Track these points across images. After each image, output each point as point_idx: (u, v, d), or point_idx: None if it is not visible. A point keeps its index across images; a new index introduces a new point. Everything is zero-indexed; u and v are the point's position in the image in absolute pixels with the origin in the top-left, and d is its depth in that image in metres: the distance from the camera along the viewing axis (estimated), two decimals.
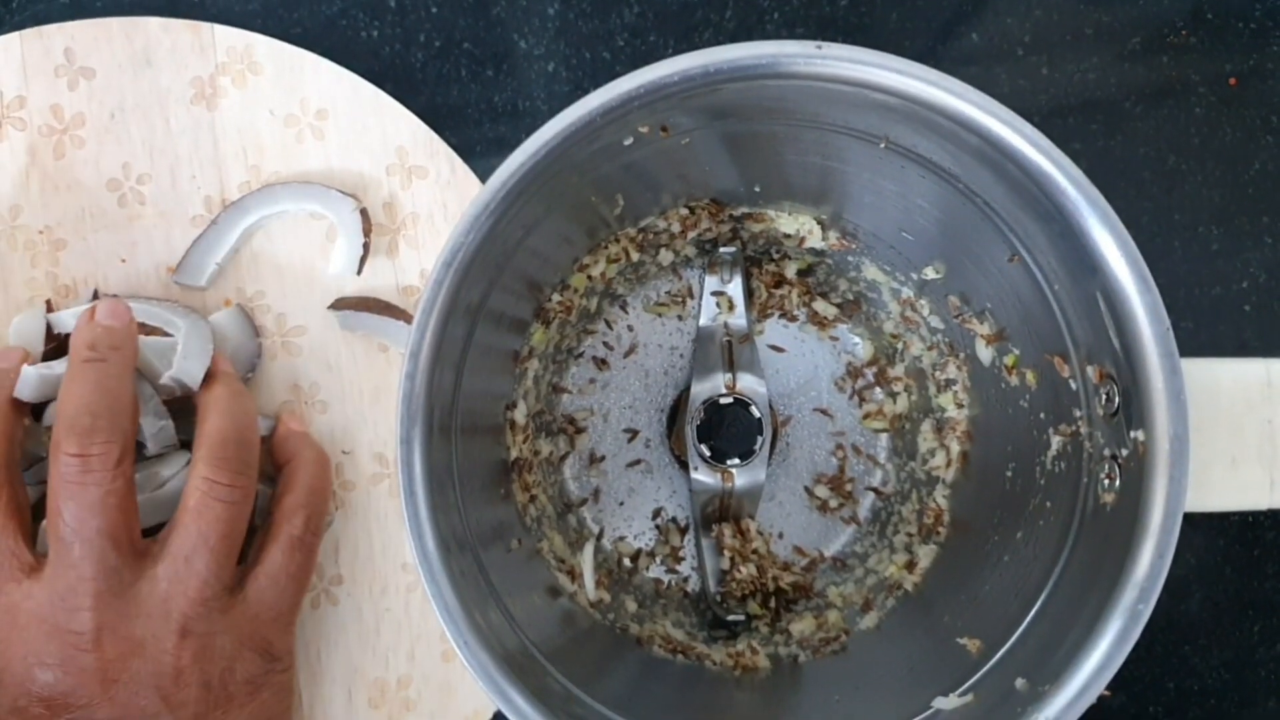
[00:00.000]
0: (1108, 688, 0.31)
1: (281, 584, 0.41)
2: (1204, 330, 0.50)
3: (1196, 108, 0.50)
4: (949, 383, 0.44)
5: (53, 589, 0.38)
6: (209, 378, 0.43)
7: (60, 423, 0.38)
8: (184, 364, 0.43)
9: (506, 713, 0.31)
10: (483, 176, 0.48)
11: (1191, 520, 0.49)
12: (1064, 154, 0.30)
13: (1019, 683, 0.33)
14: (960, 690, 0.35)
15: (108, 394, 0.39)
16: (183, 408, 0.43)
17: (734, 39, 0.49)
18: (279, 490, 0.44)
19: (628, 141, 0.33)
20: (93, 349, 0.40)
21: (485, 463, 0.40)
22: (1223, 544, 0.50)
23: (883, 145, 0.34)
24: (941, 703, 0.34)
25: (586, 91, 0.48)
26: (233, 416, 0.42)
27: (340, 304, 0.46)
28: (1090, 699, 0.31)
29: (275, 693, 0.41)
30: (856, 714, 0.37)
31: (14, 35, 0.47)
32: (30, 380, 0.42)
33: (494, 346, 0.39)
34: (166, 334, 0.44)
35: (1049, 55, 0.50)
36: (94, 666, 0.37)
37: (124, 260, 0.47)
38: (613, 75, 0.48)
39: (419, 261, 0.47)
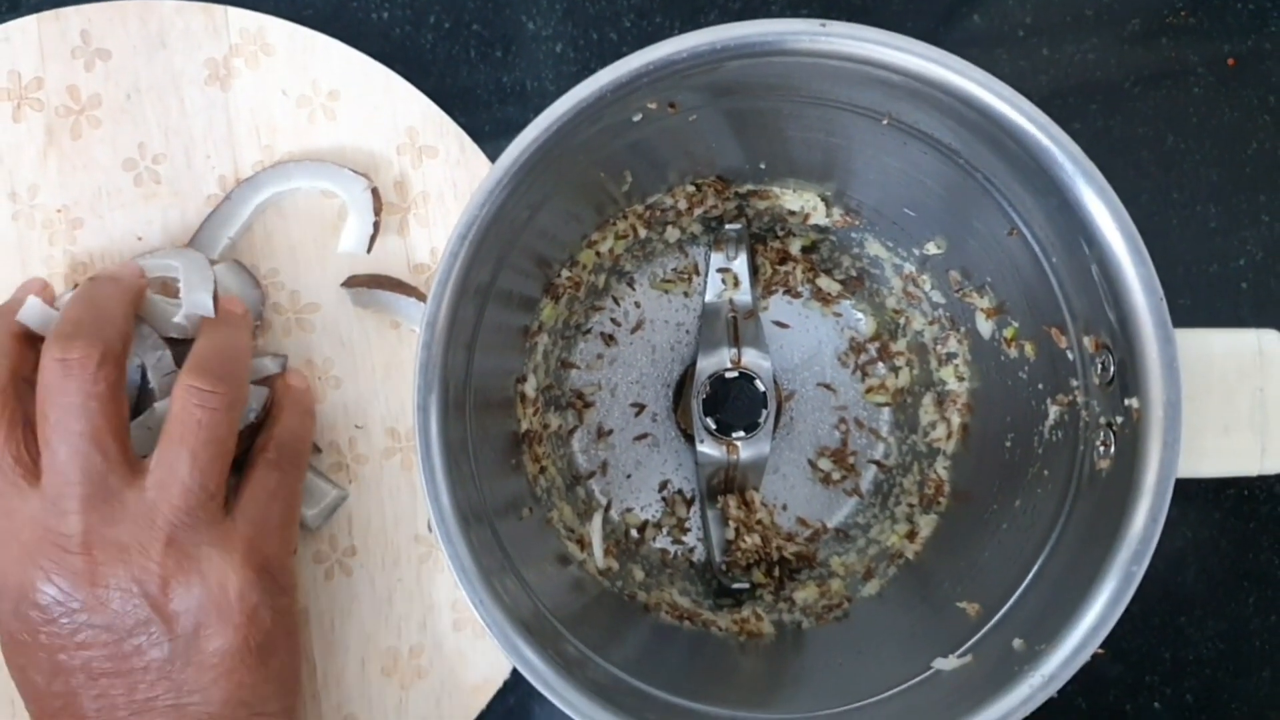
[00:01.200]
0: (1102, 647, 0.32)
1: (262, 500, 0.42)
2: (1201, 306, 0.51)
3: (1195, 88, 0.51)
4: (950, 356, 0.45)
5: (44, 494, 0.39)
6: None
7: (51, 337, 0.40)
8: (191, 296, 0.44)
9: (523, 671, 0.32)
10: (492, 156, 0.48)
11: (1187, 494, 0.50)
12: (1061, 129, 0.31)
13: (1016, 643, 0.34)
14: (959, 652, 0.36)
15: (93, 307, 0.41)
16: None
17: (739, 19, 0.50)
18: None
19: (636, 118, 0.34)
20: (91, 279, 0.43)
21: (498, 435, 0.40)
22: (1218, 517, 0.51)
23: (885, 122, 0.35)
24: (941, 664, 0.35)
25: (593, 71, 0.49)
26: (220, 336, 0.43)
27: (352, 281, 0.47)
28: (1085, 656, 0.32)
29: (277, 620, 0.41)
30: (858, 676, 0.38)
31: (31, 18, 0.48)
32: (34, 309, 0.42)
33: (505, 323, 0.40)
34: (173, 290, 0.46)
35: (1049, 37, 0.50)
36: (83, 570, 0.38)
37: (140, 238, 0.48)
38: (619, 56, 0.49)
39: (429, 240, 0.48)
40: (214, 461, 0.40)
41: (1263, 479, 0.51)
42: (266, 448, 0.43)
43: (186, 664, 0.39)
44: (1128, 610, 0.32)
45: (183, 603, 0.39)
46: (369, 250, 0.47)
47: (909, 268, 0.44)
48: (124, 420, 0.40)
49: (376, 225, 0.47)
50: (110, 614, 0.39)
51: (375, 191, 0.47)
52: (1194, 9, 0.51)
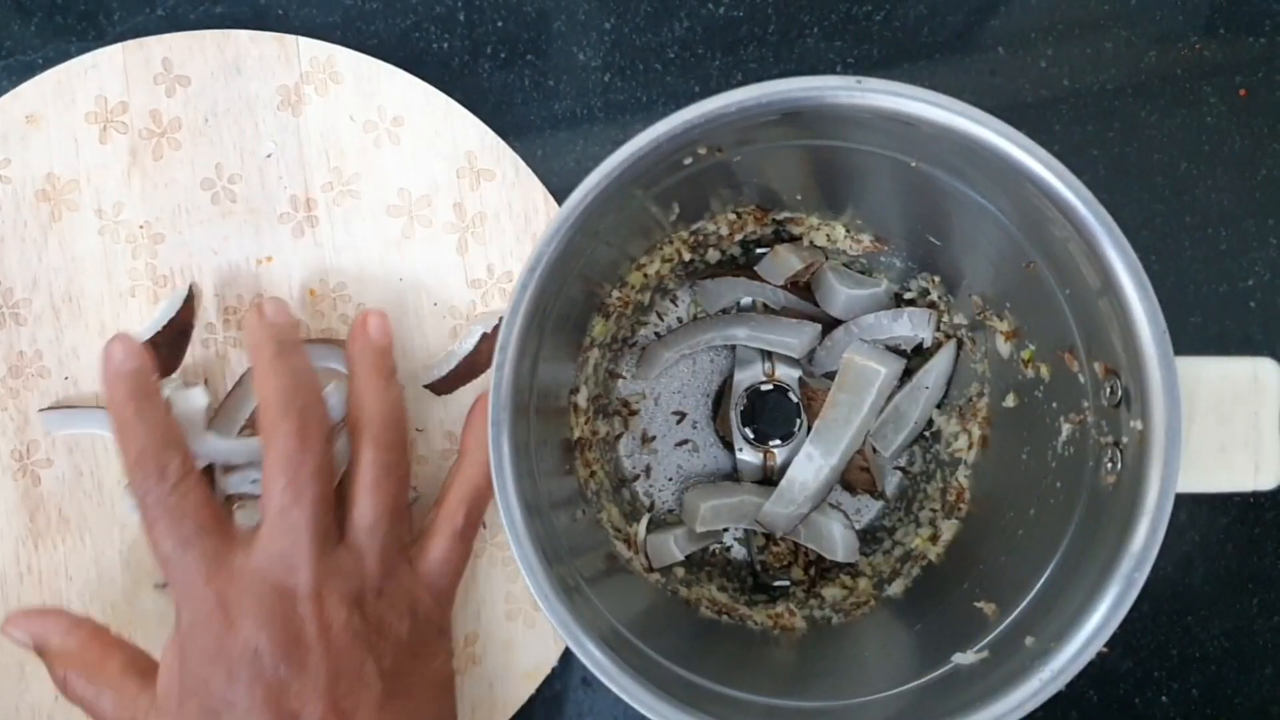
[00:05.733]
0: (1107, 646, 0.35)
1: (444, 570, 0.46)
2: (1211, 325, 0.53)
3: (1208, 117, 0.53)
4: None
5: (270, 551, 0.42)
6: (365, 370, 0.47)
7: (272, 408, 0.43)
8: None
9: (578, 654, 0.35)
10: (544, 179, 0.51)
11: (1195, 500, 0.53)
12: (1075, 177, 0.33)
13: (1028, 641, 0.36)
14: (977, 648, 0.38)
15: (305, 384, 0.45)
16: None
17: (776, 52, 0.53)
18: (445, 483, 0.48)
19: (687, 161, 0.37)
20: (280, 343, 0.45)
21: (554, 441, 0.44)
22: (1225, 522, 0.53)
23: (913, 164, 0.38)
24: (960, 659, 0.38)
25: (640, 100, 0.52)
26: (388, 402, 0.46)
27: (436, 388, 0.51)
28: (1090, 654, 0.34)
29: (444, 662, 0.46)
30: (884, 669, 0.41)
31: (117, 46, 0.51)
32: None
33: (562, 340, 0.43)
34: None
35: (1070, 67, 0.53)
36: (312, 617, 0.42)
37: (216, 253, 0.52)
38: (664, 85, 0.52)
39: (486, 257, 0.51)
40: (402, 520, 0.45)
41: None
42: (456, 514, 0.47)
43: (405, 693, 0.43)
44: (1138, 609, 0.34)
45: (389, 643, 0.43)
46: None
47: (934, 290, 0.47)
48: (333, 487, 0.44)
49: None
50: (331, 657, 0.42)
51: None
52: (1207, 42, 0.53)
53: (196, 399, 0.48)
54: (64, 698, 0.44)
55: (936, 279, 0.46)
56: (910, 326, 0.47)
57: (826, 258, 0.49)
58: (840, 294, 0.47)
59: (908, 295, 0.48)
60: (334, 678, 0.41)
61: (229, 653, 0.41)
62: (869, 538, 0.50)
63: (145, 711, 0.43)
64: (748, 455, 0.48)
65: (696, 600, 0.46)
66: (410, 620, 0.44)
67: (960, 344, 0.47)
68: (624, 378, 0.51)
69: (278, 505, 0.42)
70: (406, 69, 0.52)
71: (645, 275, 0.47)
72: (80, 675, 0.44)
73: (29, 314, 0.51)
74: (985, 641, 0.39)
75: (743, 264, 0.50)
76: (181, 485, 0.43)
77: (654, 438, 0.51)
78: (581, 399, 0.47)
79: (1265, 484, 0.37)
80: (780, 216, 0.46)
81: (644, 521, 0.47)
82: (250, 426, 0.50)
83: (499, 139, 0.51)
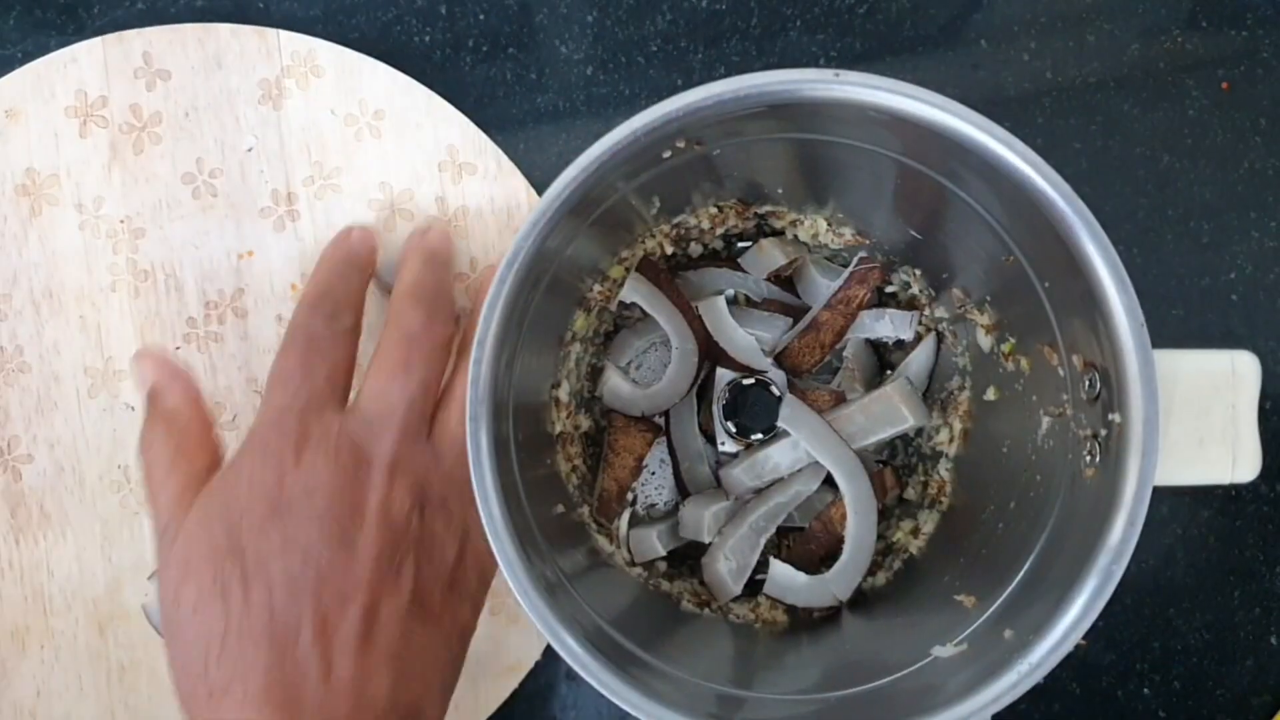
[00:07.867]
0: (1087, 638, 0.35)
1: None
2: (1193, 318, 0.53)
3: (1190, 110, 0.53)
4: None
5: (363, 416, 0.42)
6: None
7: (407, 295, 0.45)
8: None
9: (559, 650, 0.35)
10: (527, 172, 0.51)
11: (1177, 492, 0.53)
12: (1054, 171, 0.34)
13: (1007, 633, 0.37)
14: (956, 640, 0.38)
15: (444, 287, 0.47)
16: None
17: (759, 45, 0.53)
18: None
19: (667, 154, 0.37)
20: (431, 253, 0.47)
21: (535, 436, 0.44)
22: (1206, 515, 0.53)
23: (894, 158, 0.38)
24: (939, 651, 0.38)
25: (622, 93, 0.52)
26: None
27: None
28: (1069, 647, 0.34)
29: (471, 614, 0.44)
30: (865, 660, 0.41)
31: (96, 40, 0.51)
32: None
33: (543, 333, 0.43)
34: None
35: (1053, 61, 0.53)
36: (379, 488, 0.41)
37: (197, 247, 0.51)
38: (647, 79, 0.52)
39: (468, 250, 0.51)
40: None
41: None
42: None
43: (426, 618, 0.41)
44: (1120, 602, 0.35)
45: (441, 558, 0.42)
46: None
47: (916, 284, 0.47)
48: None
49: None
50: (382, 544, 0.40)
51: None
52: (1189, 35, 0.53)
53: None
54: (140, 453, 0.45)
55: (918, 272, 0.46)
56: (892, 328, 0.47)
57: (810, 251, 0.49)
58: (822, 287, 0.47)
59: (889, 289, 0.48)
60: (376, 563, 0.40)
61: (284, 489, 0.40)
62: None
63: (174, 512, 0.42)
64: (730, 449, 0.48)
65: (679, 594, 0.46)
66: (459, 547, 0.43)
67: (941, 337, 0.48)
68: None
69: (386, 375, 0.43)
70: (388, 62, 0.51)
71: (627, 269, 0.47)
72: (167, 450, 0.44)
73: (9, 309, 0.51)
74: (964, 634, 0.39)
75: (725, 258, 0.50)
76: (340, 337, 0.44)
77: None
78: (563, 393, 0.47)
79: (1242, 476, 0.37)
80: (762, 210, 0.46)
81: (626, 516, 0.47)
82: None
83: (481, 132, 0.51)
